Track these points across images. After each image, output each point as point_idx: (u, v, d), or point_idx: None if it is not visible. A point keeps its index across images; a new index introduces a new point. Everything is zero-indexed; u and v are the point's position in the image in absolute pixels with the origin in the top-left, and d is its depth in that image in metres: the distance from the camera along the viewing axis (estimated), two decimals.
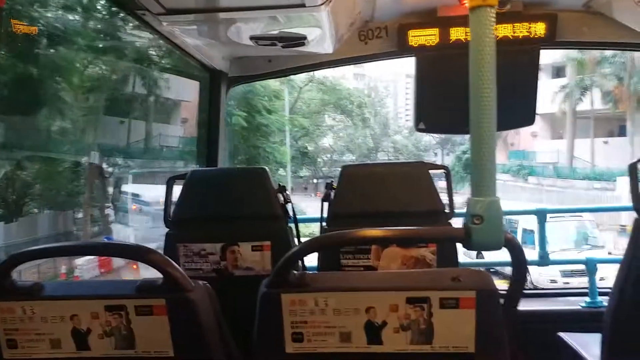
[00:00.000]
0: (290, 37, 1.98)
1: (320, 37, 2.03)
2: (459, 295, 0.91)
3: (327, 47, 2.19)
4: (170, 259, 0.99)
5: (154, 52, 9.59)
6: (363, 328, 0.93)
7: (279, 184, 1.80)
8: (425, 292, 0.91)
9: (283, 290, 0.94)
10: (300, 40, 2.00)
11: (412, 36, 2.16)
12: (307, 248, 0.98)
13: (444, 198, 1.73)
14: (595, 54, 15.79)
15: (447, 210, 1.70)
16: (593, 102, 17.96)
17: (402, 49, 2.20)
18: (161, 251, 1.62)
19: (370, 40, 2.29)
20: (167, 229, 1.76)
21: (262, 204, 1.73)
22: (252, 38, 2.01)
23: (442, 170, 1.80)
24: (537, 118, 2.37)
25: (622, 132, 18.11)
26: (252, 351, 0.98)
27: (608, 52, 14.81)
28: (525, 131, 18.77)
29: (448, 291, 0.92)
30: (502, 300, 0.95)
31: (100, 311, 0.98)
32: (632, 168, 1.59)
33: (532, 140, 20.35)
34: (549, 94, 17.02)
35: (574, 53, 16.30)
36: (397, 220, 1.39)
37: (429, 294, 0.91)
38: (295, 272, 0.96)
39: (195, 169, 2.23)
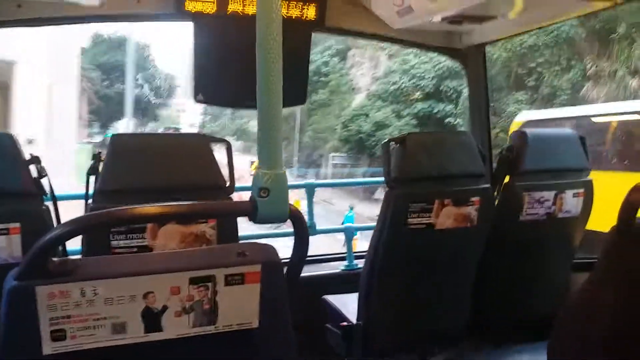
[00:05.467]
0: None
1: None
2: (244, 271, 0.87)
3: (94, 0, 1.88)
4: None
5: None
6: (140, 316, 0.83)
7: (31, 154, 1.45)
8: (210, 271, 0.85)
9: (38, 282, 0.77)
10: None
11: (189, 0, 2.00)
12: (70, 231, 0.80)
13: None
14: None
15: (227, 185, 1.62)
16: None
17: (179, 13, 2.03)
18: None
19: None
20: None
21: (8, 176, 1.38)
22: None
23: (223, 143, 1.68)
24: None
25: None
26: None
27: None
28: None
29: (233, 267, 0.86)
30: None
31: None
32: (385, 145, 1.82)
33: None
34: None
35: None
36: (174, 195, 1.28)
37: (214, 272, 0.85)
38: (54, 259, 0.79)
39: None
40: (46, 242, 0.78)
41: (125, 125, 23.60)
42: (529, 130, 1.98)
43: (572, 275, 2.07)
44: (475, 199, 1.81)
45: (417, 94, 18.94)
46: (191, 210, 0.95)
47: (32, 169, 1.45)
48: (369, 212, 13.38)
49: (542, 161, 1.94)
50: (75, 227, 0.81)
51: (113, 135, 1.56)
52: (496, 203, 1.93)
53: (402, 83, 19.44)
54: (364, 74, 22.86)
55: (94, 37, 26.85)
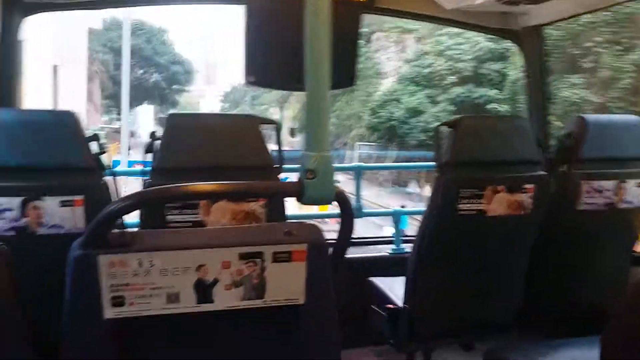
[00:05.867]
0: None
1: None
2: (291, 249, 0.96)
3: None
4: None
5: None
6: (193, 287, 0.93)
7: (94, 133, 1.68)
8: (259, 247, 0.95)
9: (100, 252, 0.89)
10: None
11: None
12: (130, 204, 0.91)
13: None
14: None
15: (276, 165, 1.79)
16: None
17: None
18: None
19: None
20: None
21: (72, 153, 1.58)
22: None
23: (273, 125, 1.87)
24: None
25: None
26: (63, 320, 0.92)
27: None
28: None
29: (281, 245, 0.95)
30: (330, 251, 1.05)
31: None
32: (436, 130, 1.91)
33: None
34: None
35: None
36: (225, 174, 1.45)
37: (262, 249, 0.95)
38: (114, 230, 0.91)
39: None
40: (108, 214, 0.90)
41: (143, 112, 24.19)
42: (588, 116, 2.03)
43: (631, 268, 2.12)
44: (529, 186, 1.88)
45: (453, 78, 18.50)
46: (242, 189, 1.08)
47: (93, 145, 1.65)
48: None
49: (602, 149, 1.99)
50: (135, 201, 0.93)
51: (169, 115, 1.76)
52: (552, 191, 1.99)
53: (437, 66, 19.10)
54: (390, 58, 22.49)
55: (111, 20, 27.52)
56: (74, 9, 2.33)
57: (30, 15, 2.19)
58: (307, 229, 1.01)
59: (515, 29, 2.60)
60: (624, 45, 14.16)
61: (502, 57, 16.82)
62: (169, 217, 1.64)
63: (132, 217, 1.60)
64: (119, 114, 26.45)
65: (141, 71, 25.92)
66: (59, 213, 1.57)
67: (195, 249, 0.93)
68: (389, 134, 19.72)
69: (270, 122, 1.88)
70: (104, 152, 1.69)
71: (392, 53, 22.54)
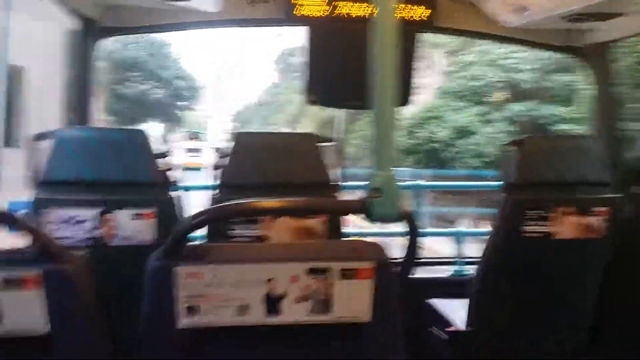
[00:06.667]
0: None
1: None
2: (358, 266, 1.10)
3: (211, 6, 2.45)
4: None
5: None
6: (262, 300, 1.08)
7: (160, 150, 2.01)
8: (327, 263, 1.09)
9: (177, 263, 1.05)
10: None
11: (299, 5, 2.52)
12: (205, 219, 1.12)
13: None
14: None
15: (335, 183, 2.06)
16: None
17: (290, 18, 2.55)
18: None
19: (259, 4, 2.60)
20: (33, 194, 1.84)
21: (142, 168, 1.92)
22: None
23: (331, 143, 2.14)
24: None
25: None
26: (138, 327, 1.10)
27: None
28: None
29: (348, 262, 1.10)
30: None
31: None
32: (502, 149, 2.11)
33: None
34: None
35: None
36: (287, 190, 1.74)
37: (330, 265, 1.09)
38: (190, 243, 1.10)
39: (64, 128, 2.29)
40: (185, 228, 1.09)
41: (149, 128, 24.80)
42: None
43: None
44: (600, 208, 2.04)
45: (504, 94, 17.06)
46: (307, 206, 1.29)
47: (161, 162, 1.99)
48: None
49: None
50: (209, 217, 1.15)
51: (237, 134, 2.09)
52: (625, 213, 2.13)
53: (487, 78, 17.45)
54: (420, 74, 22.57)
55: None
56: (145, 32, 2.76)
57: (104, 39, 2.64)
58: (373, 247, 1.16)
59: (581, 46, 2.83)
60: None
61: (569, 68, 14.52)
62: (232, 232, 1.94)
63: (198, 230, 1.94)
64: None
65: (143, 86, 26.68)
66: (130, 225, 1.91)
67: (265, 263, 1.09)
68: (428, 157, 18.12)
69: (329, 140, 2.17)
70: (170, 169, 2.01)
71: (422, 68, 22.54)
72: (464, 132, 17.06)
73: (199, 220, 1.11)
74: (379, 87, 1.11)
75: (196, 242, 1.28)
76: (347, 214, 1.82)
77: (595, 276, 2.15)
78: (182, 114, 33.00)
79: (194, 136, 27.73)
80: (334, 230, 1.98)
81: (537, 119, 15.81)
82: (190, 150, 23.90)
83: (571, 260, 2.12)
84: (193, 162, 19.52)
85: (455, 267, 3.10)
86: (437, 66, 20.54)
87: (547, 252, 2.08)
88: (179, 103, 31.64)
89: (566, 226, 2.04)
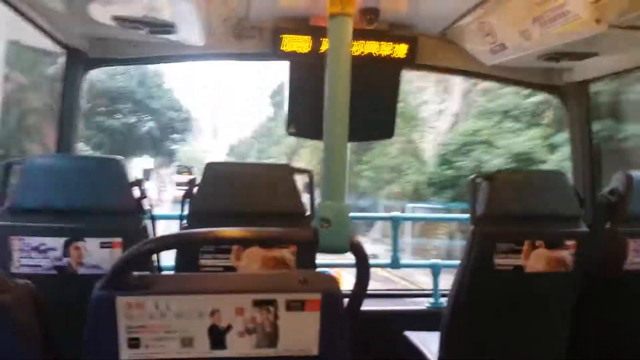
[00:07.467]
0: (157, 22, 2.23)
1: (190, 27, 2.32)
2: (305, 298, 1.09)
3: (198, 39, 2.51)
4: None
5: None
6: (207, 332, 1.07)
7: (136, 177, 2.02)
8: (272, 295, 1.08)
9: (119, 293, 1.03)
10: (168, 27, 2.27)
11: (285, 41, 2.60)
12: (149, 249, 1.10)
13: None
14: None
15: (308, 213, 2.06)
16: None
17: (276, 53, 2.63)
18: None
19: (245, 39, 2.68)
20: None
21: (114, 197, 1.92)
22: (114, 18, 2.21)
23: (306, 174, 2.17)
24: None
25: None
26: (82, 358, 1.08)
27: None
28: None
29: (294, 293, 1.09)
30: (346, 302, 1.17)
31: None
32: (471, 181, 2.17)
33: None
34: None
35: None
36: (259, 221, 1.71)
37: (275, 296, 1.08)
38: (135, 273, 1.07)
39: (35, 155, 2.32)
40: (127, 256, 1.08)
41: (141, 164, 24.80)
42: (633, 172, 2.24)
43: None
44: (571, 242, 2.10)
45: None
46: (257, 235, 1.27)
47: (135, 190, 1.98)
48: None
49: None
50: (153, 246, 1.14)
51: (208, 163, 2.09)
52: (596, 248, 2.18)
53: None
54: (428, 101, 21.33)
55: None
56: (132, 64, 2.90)
57: (92, 69, 2.69)
58: (322, 278, 1.15)
59: (559, 85, 2.93)
60: None
61: None
62: (202, 262, 1.93)
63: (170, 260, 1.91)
64: None
65: (129, 118, 26.59)
66: (98, 254, 1.89)
67: (209, 294, 1.07)
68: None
69: (303, 171, 2.19)
70: (145, 197, 2.01)
71: (432, 94, 21.52)
72: (525, 161, 13.94)
73: (143, 248, 1.08)
74: (332, 119, 1.12)
75: (164, 273, 1.25)
76: (296, 243, 1.87)
77: (565, 309, 2.19)
78: (175, 148, 32.98)
79: (185, 170, 27.80)
80: (306, 261, 1.96)
81: (620, 140, 9.69)
82: (179, 184, 23.83)
83: (541, 293, 2.15)
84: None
85: (431, 299, 3.12)
86: (456, 87, 19.32)
87: (518, 285, 2.10)
88: (171, 136, 31.60)
89: (536, 259, 2.08)
